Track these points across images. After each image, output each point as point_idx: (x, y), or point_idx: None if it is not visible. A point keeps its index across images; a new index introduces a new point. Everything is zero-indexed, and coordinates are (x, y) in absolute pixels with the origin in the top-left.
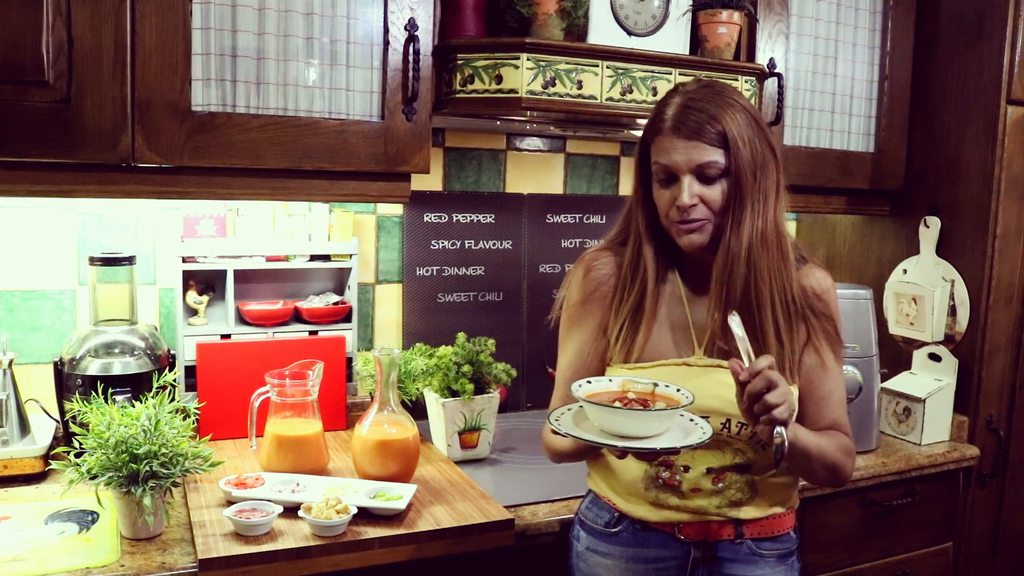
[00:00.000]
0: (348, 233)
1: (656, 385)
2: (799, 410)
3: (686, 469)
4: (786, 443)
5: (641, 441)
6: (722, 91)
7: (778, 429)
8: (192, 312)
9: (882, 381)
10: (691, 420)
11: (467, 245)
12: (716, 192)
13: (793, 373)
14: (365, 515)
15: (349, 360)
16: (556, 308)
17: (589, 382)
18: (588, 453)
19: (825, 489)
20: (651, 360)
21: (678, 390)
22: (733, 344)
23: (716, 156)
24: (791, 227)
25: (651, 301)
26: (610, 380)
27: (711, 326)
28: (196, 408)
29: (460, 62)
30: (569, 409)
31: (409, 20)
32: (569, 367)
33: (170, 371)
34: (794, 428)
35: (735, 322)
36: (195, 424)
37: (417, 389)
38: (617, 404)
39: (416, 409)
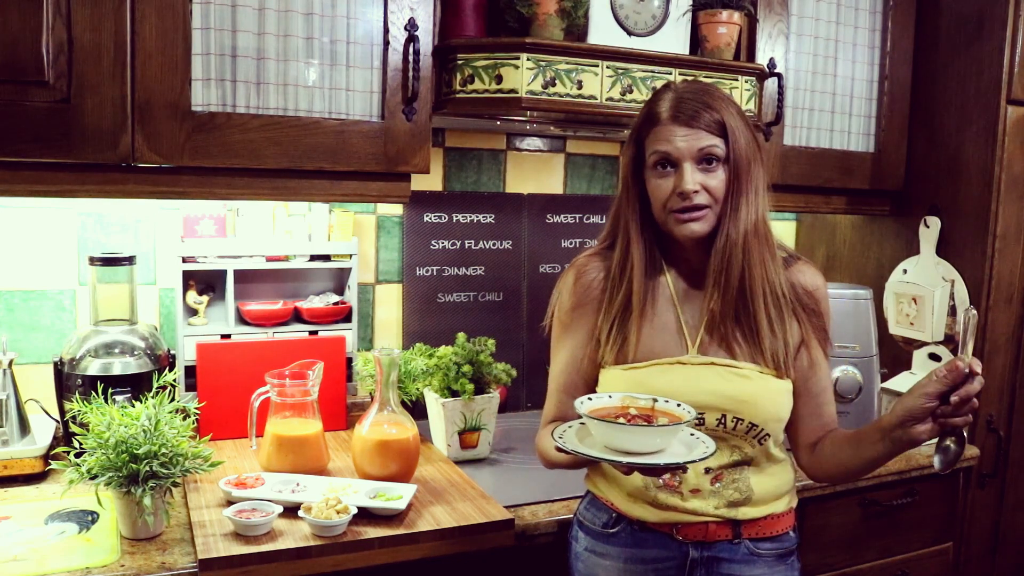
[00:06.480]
0: (348, 233)
1: (656, 400)
2: (795, 407)
3: (684, 470)
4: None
5: (646, 457)
6: (710, 88)
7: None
8: (192, 312)
9: (882, 381)
10: (691, 434)
11: (467, 245)
12: (715, 180)
13: (788, 367)
14: (365, 515)
15: (349, 360)
16: (548, 315)
17: (590, 398)
18: (585, 463)
19: (825, 489)
20: (645, 360)
21: (678, 405)
22: (729, 340)
23: (716, 142)
24: (791, 227)
25: (639, 298)
26: (610, 396)
27: (706, 318)
28: (196, 408)
29: (460, 62)
30: (570, 426)
31: (409, 20)
32: (563, 373)
33: (170, 371)
34: (858, 432)
35: (971, 312)
36: (195, 424)
37: (417, 389)
38: (621, 420)
39: (416, 409)
